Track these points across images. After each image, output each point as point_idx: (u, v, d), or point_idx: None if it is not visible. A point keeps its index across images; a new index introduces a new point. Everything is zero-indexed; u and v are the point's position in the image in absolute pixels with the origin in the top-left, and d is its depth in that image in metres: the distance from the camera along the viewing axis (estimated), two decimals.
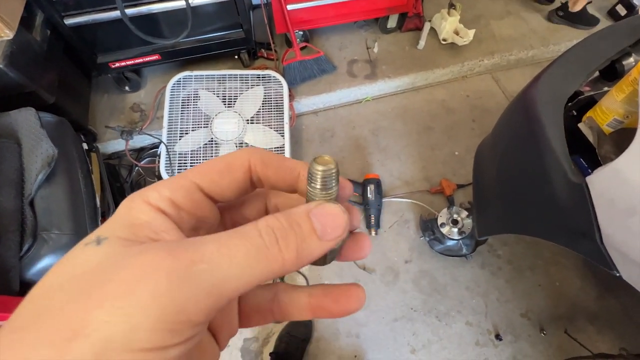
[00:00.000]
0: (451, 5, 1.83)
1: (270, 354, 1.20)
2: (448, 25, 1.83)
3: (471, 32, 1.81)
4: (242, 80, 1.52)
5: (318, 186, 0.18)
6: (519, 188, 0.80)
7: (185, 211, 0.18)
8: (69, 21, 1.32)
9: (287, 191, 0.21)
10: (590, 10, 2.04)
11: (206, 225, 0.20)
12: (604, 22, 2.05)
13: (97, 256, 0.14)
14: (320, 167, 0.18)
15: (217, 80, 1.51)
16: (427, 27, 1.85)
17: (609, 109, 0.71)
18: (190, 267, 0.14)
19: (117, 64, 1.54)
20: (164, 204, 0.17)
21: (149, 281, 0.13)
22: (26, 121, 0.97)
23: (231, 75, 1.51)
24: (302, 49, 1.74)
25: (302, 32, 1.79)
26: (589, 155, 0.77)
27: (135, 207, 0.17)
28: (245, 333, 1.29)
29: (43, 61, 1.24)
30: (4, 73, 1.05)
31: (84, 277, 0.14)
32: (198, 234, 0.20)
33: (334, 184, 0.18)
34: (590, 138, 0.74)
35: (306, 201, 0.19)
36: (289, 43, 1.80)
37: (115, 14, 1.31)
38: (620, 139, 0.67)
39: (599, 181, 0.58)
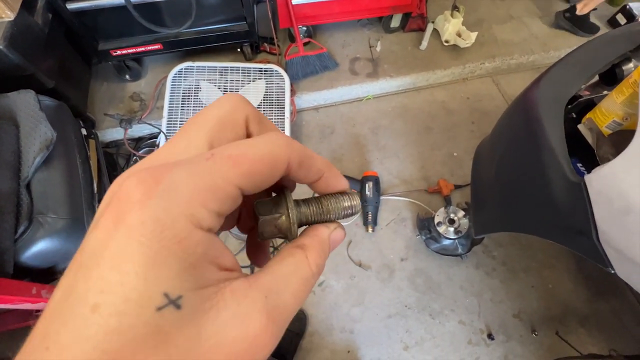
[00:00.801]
0: (455, 8, 1.84)
1: None
2: (451, 27, 1.84)
3: (473, 35, 1.82)
4: (244, 73, 1.52)
5: (342, 215, 0.22)
6: (518, 187, 0.81)
7: (224, 219, 0.17)
8: (71, 6, 1.31)
9: (303, 184, 0.22)
10: (592, 18, 2.06)
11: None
12: (604, 31, 2.07)
13: (187, 331, 0.13)
14: (354, 205, 0.22)
15: (219, 72, 1.50)
16: (430, 28, 1.86)
17: (609, 111, 0.72)
18: (285, 322, 0.17)
19: (119, 52, 1.52)
20: (215, 222, 0.15)
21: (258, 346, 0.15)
22: (25, 103, 0.96)
23: (233, 67, 1.50)
24: (305, 44, 1.74)
25: (305, 28, 1.79)
26: (587, 157, 0.78)
27: (188, 237, 0.14)
28: None
29: (44, 45, 1.23)
30: (4, 54, 1.04)
31: None
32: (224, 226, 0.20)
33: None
34: (590, 139, 0.76)
35: (321, 208, 0.22)
36: (292, 38, 1.79)
37: (119, 0, 1.30)
38: (619, 141, 0.68)
39: (597, 180, 0.59)
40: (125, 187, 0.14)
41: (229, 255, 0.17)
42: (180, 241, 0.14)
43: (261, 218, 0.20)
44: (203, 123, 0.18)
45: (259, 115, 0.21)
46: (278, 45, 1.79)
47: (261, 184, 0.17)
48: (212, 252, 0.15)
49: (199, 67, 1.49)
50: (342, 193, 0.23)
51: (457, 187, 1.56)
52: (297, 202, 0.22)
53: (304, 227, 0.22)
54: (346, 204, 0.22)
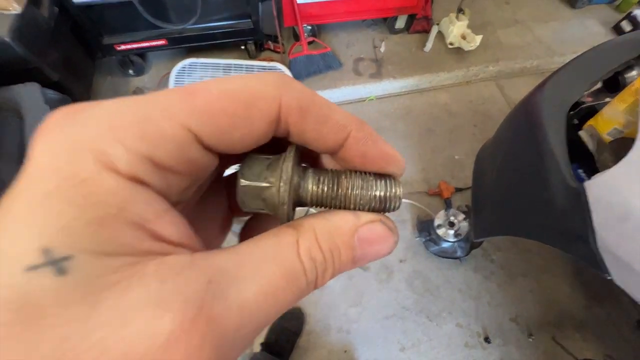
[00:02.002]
0: (460, 10, 1.84)
1: (261, 344, 1.20)
2: (456, 29, 1.84)
3: (478, 38, 1.82)
4: (248, 70, 1.52)
5: (368, 207, 0.15)
6: (518, 191, 0.81)
7: (175, 173, 0.12)
8: (77, 0, 1.31)
9: (323, 152, 0.15)
10: (596, 25, 2.06)
11: (201, 179, 0.14)
12: (609, 38, 2.07)
13: (68, 309, 0.09)
14: (391, 196, 0.14)
15: (223, 69, 1.51)
16: (434, 30, 1.86)
17: (610, 118, 0.72)
18: (235, 333, 0.11)
19: (123, 47, 1.53)
20: (141, 167, 0.11)
21: None
22: (30, 96, 0.97)
23: (237, 65, 1.51)
24: (309, 43, 1.74)
25: (310, 27, 1.79)
26: (588, 163, 0.78)
27: (93, 179, 0.10)
28: None
29: (49, 38, 1.23)
30: (10, 47, 1.05)
31: None
32: (189, 192, 0.14)
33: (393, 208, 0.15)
34: (590, 145, 0.76)
35: (348, 192, 0.14)
36: (296, 37, 1.80)
37: None
38: (619, 148, 0.69)
39: (597, 187, 0.59)
40: (47, 118, 0.11)
41: (178, 223, 0.12)
42: (80, 183, 0.10)
43: (241, 183, 0.14)
44: (191, 97, 0.12)
45: (305, 101, 0.13)
46: (282, 44, 1.79)
47: (231, 132, 0.12)
48: (140, 211, 0.11)
49: (203, 63, 1.49)
50: (380, 175, 0.15)
51: (457, 190, 1.57)
52: (306, 171, 0.15)
53: (315, 211, 0.15)
54: (378, 191, 0.14)
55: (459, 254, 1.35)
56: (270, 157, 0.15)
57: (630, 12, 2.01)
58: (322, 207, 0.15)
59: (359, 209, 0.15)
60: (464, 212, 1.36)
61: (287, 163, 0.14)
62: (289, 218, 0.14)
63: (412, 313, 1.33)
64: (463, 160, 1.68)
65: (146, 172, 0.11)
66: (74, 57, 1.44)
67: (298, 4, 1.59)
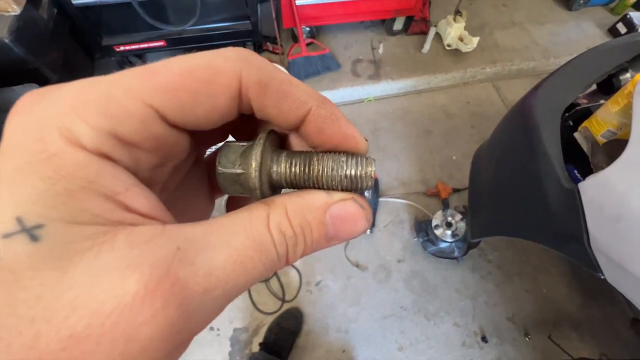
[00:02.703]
0: (457, 12, 1.85)
1: (260, 344, 1.21)
2: (453, 31, 1.85)
3: (475, 40, 1.84)
4: None
5: (340, 186, 0.15)
6: (514, 192, 0.82)
7: (142, 149, 0.13)
8: (77, 1, 1.32)
9: (287, 129, 0.16)
10: (592, 27, 2.08)
11: (174, 158, 0.15)
12: (605, 40, 2.09)
13: (42, 273, 0.10)
14: (362, 174, 0.14)
15: None
16: (432, 31, 1.88)
17: (604, 120, 0.73)
18: (202, 297, 0.11)
19: (122, 48, 1.53)
20: (106, 143, 0.11)
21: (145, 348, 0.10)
22: None
23: None
24: (307, 45, 1.75)
25: (308, 29, 1.80)
26: (582, 164, 0.79)
27: (61, 154, 0.11)
28: (235, 323, 1.30)
29: (48, 39, 1.24)
30: (9, 48, 1.05)
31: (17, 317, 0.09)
32: (164, 171, 0.15)
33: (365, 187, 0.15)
34: (585, 147, 0.77)
35: (315, 168, 0.15)
36: (295, 38, 1.80)
37: None
38: (613, 150, 0.70)
39: (590, 188, 0.60)
40: (19, 100, 0.12)
41: (148, 197, 0.12)
42: (49, 158, 0.10)
43: (218, 170, 0.15)
44: (151, 74, 0.13)
45: (264, 75, 0.14)
46: (281, 45, 1.80)
47: (194, 108, 0.13)
48: (109, 184, 0.11)
49: None
50: (352, 154, 0.15)
51: (455, 190, 1.58)
52: (280, 154, 0.15)
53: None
54: (349, 170, 0.15)
55: (456, 254, 1.36)
56: (245, 143, 0.16)
57: (626, 15, 2.03)
58: (299, 189, 0.16)
59: (332, 189, 0.15)
60: (461, 213, 1.37)
61: (258, 149, 0.15)
62: (264, 197, 0.15)
63: (410, 313, 1.34)
64: (460, 161, 1.69)
65: (112, 148, 0.12)
66: (73, 58, 1.44)
67: (297, 6, 1.60)
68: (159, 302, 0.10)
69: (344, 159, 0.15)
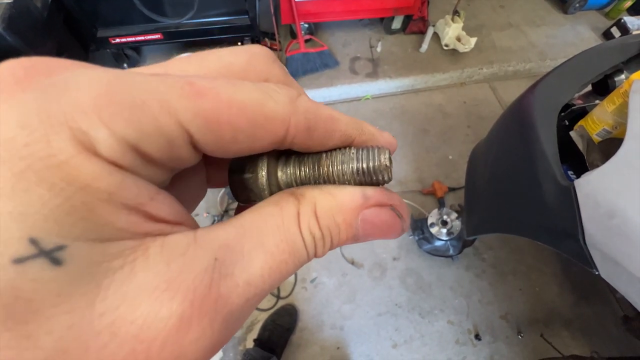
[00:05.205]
0: (455, 12, 1.86)
1: (254, 340, 1.20)
2: (451, 31, 1.86)
3: (473, 40, 1.85)
4: None
5: (353, 181, 0.14)
6: (510, 189, 0.82)
7: (158, 166, 0.11)
8: None
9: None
10: (587, 30, 2.11)
11: (181, 169, 0.14)
12: (599, 43, 2.12)
13: (70, 300, 0.09)
14: (375, 166, 0.14)
15: None
16: (430, 31, 1.88)
17: (600, 119, 0.74)
18: (242, 308, 0.11)
19: (118, 40, 1.51)
20: (127, 156, 0.10)
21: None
22: None
23: None
24: (306, 41, 1.74)
25: (307, 25, 1.79)
26: (577, 163, 0.80)
27: (72, 162, 0.09)
28: None
29: (42, 28, 1.21)
30: (1, 36, 1.02)
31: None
32: (167, 182, 0.14)
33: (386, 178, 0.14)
34: (580, 146, 0.78)
35: (334, 168, 0.14)
36: (293, 34, 1.80)
37: None
38: (608, 148, 0.71)
39: (586, 185, 0.61)
40: (8, 69, 0.10)
41: (172, 204, 0.12)
42: (58, 165, 0.09)
43: (230, 177, 0.15)
44: (191, 94, 0.11)
45: (313, 121, 0.13)
46: (279, 41, 1.79)
47: (231, 143, 0.12)
48: (132, 195, 0.10)
49: None
50: (363, 147, 0.14)
51: (451, 189, 1.59)
52: (289, 157, 0.15)
53: None
54: (360, 164, 0.14)
55: (451, 252, 1.37)
56: (247, 157, 0.15)
57: (620, 19, 2.06)
58: None
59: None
60: (456, 211, 1.37)
61: (264, 154, 0.14)
62: None
63: (404, 310, 1.34)
64: (456, 160, 1.70)
65: (130, 162, 0.10)
66: (67, 49, 1.41)
67: (296, 2, 1.59)
68: (205, 321, 0.10)
69: (354, 151, 0.14)
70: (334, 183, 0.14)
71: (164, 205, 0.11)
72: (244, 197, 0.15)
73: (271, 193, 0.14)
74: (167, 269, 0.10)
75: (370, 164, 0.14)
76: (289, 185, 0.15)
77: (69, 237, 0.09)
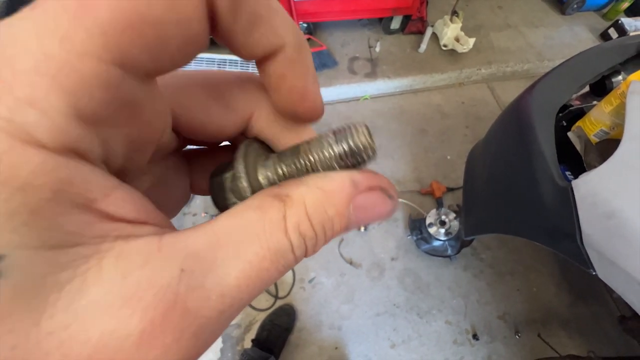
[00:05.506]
0: (454, 13, 1.86)
1: (252, 340, 1.20)
2: (450, 31, 1.86)
3: (471, 41, 1.85)
4: (243, 67, 1.51)
5: (350, 161, 0.14)
6: (508, 190, 0.83)
7: (111, 124, 0.10)
8: None
9: (249, 59, 0.12)
10: (584, 31, 2.12)
11: (152, 136, 0.12)
12: (597, 44, 2.13)
13: (11, 318, 0.08)
14: (358, 146, 0.13)
15: (217, 64, 1.49)
16: (429, 31, 1.89)
17: (597, 120, 0.74)
18: (216, 321, 0.10)
19: None
20: (71, 132, 0.08)
21: None
22: None
23: (232, 60, 1.50)
24: None
25: (306, 25, 1.79)
26: (575, 164, 0.80)
27: (7, 157, 0.08)
28: None
29: None
30: None
31: None
32: (140, 157, 0.12)
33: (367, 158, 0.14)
34: (578, 146, 0.78)
35: (316, 154, 0.13)
36: None
37: None
38: (605, 149, 0.71)
39: (583, 186, 0.61)
40: None
41: (133, 199, 0.10)
42: (10, 167, 0.08)
43: (210, 182, 0.15)
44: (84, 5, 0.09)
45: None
46: None
47: (162, 44, 0.09)
48: (82, 191, 0.09)
49: (197, 58, 1.48)
50: (340, 129, 0.14)
51: (449, 189, 1.59)
52: (268, 156, 0.15)
53: None
54: (338, 147, 0.13)
55: (449, 252, 1.37)
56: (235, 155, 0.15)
57: (617, 20, 2.07)
58: None
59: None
60: (454, 212, 1.38)
61: (243, 148, 0.14)
62: None
63: (402, 310, 1.35)
64: (455, 160, 1.71)
65: (77, 137, 0.08)
66: None
67: (294, 2, 1.59)
68: (169, 337, 0.09)
69: (331, 136, 0.13)
70: (318, 172, 0.13)
71: (123, 201, 0.10)
72: (227, 201, 0.14)
73: (253, 192, 0.13)
74: (123, 283, 0.09)
75: (352, 144, 0.13)
76: (271, 183, 0.14)
77: (9, 246, 0.08)
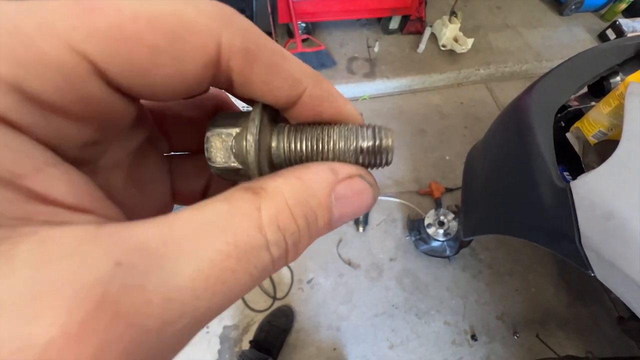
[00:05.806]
0: (453, 13, 1.86)
1: (250, 342, 1.19)
2: (448, 32, 1.86)
3: (470, 41, 1.85)
4: None
5: (355, 160, 0.13)
6: (507, 190, 0.83)
7: (67, 117, 0.09)
8: None
9: (277, 107, 0.13)
10: (582, 32, 2.12)
11: (115, 131, 0.11)
12: (594, 45, 2.13)
13: None
14: (381, 145, 0.12)
15: None
16: (427, 31, 1.89)
17: (596, 121, 0.74)
18: (163, 332, 0.08)
19: None
20: (5, 101, 0.08)
21: None
22: None
23: None
24: (303, 41, 1.73)
25: (304, 24, 1.79)
26: (573, 165, 0.80)
27: None
28: (225, 321, 1.28)
29: None
30: None
31: None
32: (100, 149, 0.11)
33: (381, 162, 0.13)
34: (576, 147, 0.78)
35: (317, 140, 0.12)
36: (290, 34, 1.79)
37: None
38: (604, 150, 0.71)
39: (582, 187, 0.61)
40: None
41: (73, 180, 0.09)
42: None
43: (209, 131, 0.12)
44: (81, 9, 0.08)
45: (253, 43, 0.10)
46: (276, 40, 1.77)
47: (151, 70, 0.09)
48: (6, 163, 0.08)
49: None
50: (363, 125, 0.13)
51: (448, 190, 1.59)
52: (281, 128, 0.13)
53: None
54: (364, 142, 0.12)
55: (448, 253, 1.37)
56: (239, 112, 0.13)
57: (615, 21, 2.08)
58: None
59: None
60: (453, 212, 1.38)
61: (259, 110, 0.12)
62: (259, 173, 0.12)
63: (401, 311, 1.34)
64: (453, 161, 1.71)
65: (15, 109, 0.08)
66: None
67: (293, 1, 1.58)
68: (88, 350, 0.07)
69: (358, 128, 0.13)
70: (330, 160, 0.13)
71: (59, 181, 0.08)
72: (223, 161, 0.12)
73: (258, 162, 0.12)
74: (37, 276, 0.07)
75: (377, 143, 0.12)
76: (278, 157, 0.12)
77: None
